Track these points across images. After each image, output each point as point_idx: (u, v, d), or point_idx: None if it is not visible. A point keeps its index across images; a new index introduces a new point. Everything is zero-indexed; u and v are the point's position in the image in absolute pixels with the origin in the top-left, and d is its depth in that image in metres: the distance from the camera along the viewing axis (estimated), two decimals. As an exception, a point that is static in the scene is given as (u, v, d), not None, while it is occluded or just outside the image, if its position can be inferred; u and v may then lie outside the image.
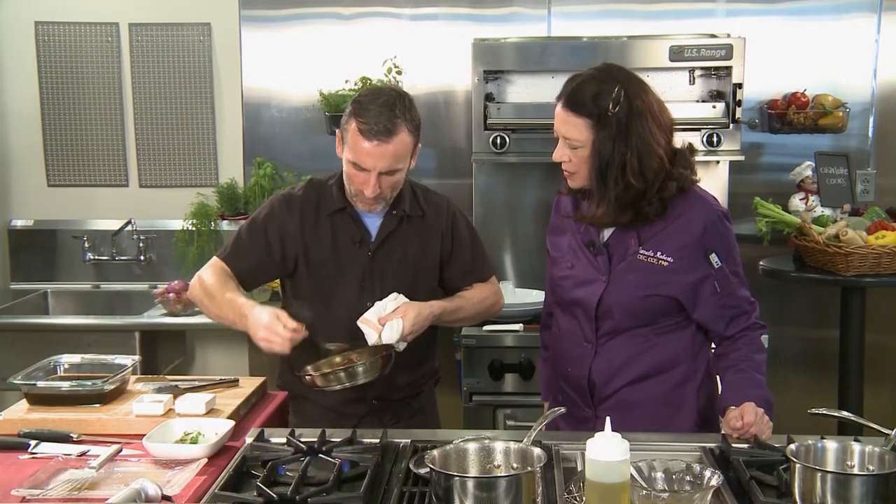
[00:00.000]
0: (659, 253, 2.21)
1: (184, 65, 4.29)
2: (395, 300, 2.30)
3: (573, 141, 2.18)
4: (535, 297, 3.64)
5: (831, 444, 1.79)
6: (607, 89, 2.15)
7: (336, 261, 2.43)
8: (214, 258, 2.49)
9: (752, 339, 2.25)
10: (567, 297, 2.33)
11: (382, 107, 2.26)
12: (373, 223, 2.45)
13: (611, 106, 2.13)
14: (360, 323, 2.26)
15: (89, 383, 2.36)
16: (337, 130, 2.38)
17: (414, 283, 2.44)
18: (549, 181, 3.84)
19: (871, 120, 4.05)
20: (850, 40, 4.00)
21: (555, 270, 2.38)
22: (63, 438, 2.15)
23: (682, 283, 2.21)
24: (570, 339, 2.33)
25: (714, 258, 2.20)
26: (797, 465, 1.70)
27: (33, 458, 2.07)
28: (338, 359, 2.32)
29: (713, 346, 2.34)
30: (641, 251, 2.22)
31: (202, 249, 4.16)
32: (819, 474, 1.67)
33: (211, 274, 2.42)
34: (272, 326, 2.17)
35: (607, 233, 2.28)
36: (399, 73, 4.04)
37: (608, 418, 1.60)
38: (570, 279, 2.31)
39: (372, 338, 2.25)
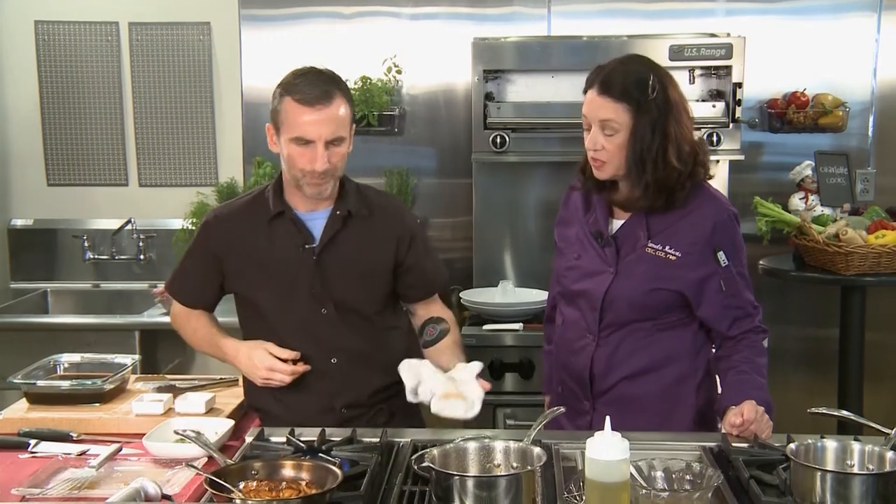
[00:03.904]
0: (668, 247, 2.22)
1: (183, 64, 4.29)
2: (465, 369, 2.20)
3: (611, 126, 2.17)
4: (535, 296, 3.64)
5: (831, 444, 1.79)
6: (643, 75, 2.17)
7: (282, 270, 2.33)
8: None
9: (754, 342, 2.25)
10: (572, 287, 2.33)
11: (315, 77, 2.27)
12: (315, 226, 2.34)
13: (650, 91, 2.15)
14: (441, 402, 2.11)
15: (89, 382, 2.36)
16: (267, 125, 2.31)
17: (365, 288, 2.37)
18: (550, 180, 3.84)
19: (871, 119, 4.04)
20: (849, 39, 4.00)
21: (561, 261, 2.39)
22: (63, 437, 2.15)
23: (689, 279, 2.21)
24: (573, 330, 2.33)
25: (721, 256, 2.21)
26: (797, 465, 1.70)
27: (33, 457, 2.07)
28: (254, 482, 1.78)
29: (714, 347, 2.34)
30: (650, 244, 2.23)
31: (202, 249, 4.16)
32: (819, 473, 1.67)
33: (174, 317, 2.53)
34: (274, 367, 2.28)
35: (616, 225, 2.28)
36: (399, 72, 4.04)
37: (608, 418, 1.60)
38: (576, 270, 2.32)
39: (458, 409, 2.11)
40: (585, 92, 2.22)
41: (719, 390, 2.29)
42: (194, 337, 2.48)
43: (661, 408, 2.26)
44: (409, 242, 2.40)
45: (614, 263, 2.25)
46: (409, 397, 2.17)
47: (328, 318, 2.33)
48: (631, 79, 2.17)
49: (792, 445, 1.78)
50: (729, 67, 3.56)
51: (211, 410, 2.32)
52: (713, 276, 2.22)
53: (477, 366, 2.22)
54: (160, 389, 2.47)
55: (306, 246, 2.32)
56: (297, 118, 2.21)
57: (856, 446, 1.78)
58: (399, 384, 2.39)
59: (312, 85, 2.23)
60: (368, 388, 2.37)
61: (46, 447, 2.10)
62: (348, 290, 2.34)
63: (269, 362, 2.29)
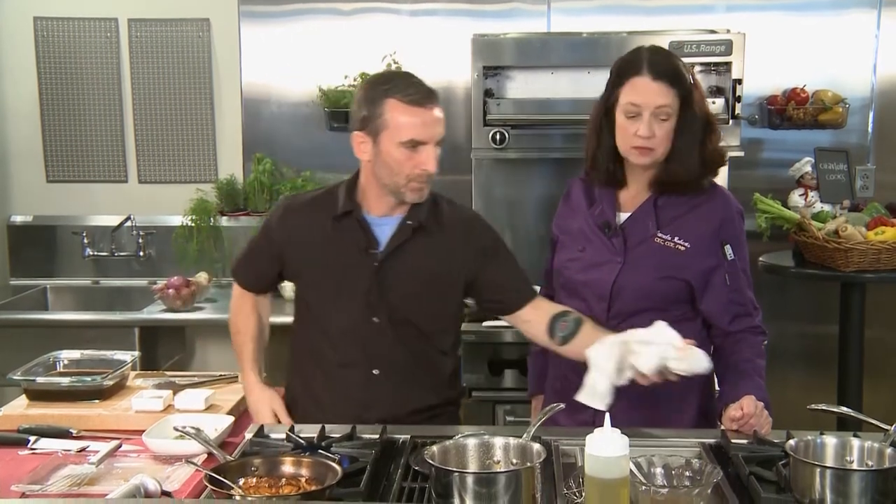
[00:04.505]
0: (677, 238, 2.24)
1: (183, 60, 4.29)
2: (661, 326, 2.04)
3: (665, 112, 2.17)
4: (535, 292, 3.64)
5: (830, 440, 1.79)
6: (681, 62, 2.22)
7: (339, 270, 2.26)
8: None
9: (754, 343, 2.26)
10: (576, 278, 2.32)
11: (411, 77, 2.19)
12: (383, 232, 2.25)
13: (690, 79, 2.21)
14: (679, 355, 1.98)
15: (89, 379, 2.36)
16: (356, 133, 2.19)
17: (426, 303, 2.27)
18: (550, 177, 3.84)
19: (871, 115, 4.04)
20: (849, 36, 4.00)
21: (562, 254, 2.38)
22: (63, 434, 2.15)
23: (697, 269, 2.23)
24: None
25: (728, 250, 2.24)
26: (796, 461, 1.70)
27: (33, 453, 2.07)
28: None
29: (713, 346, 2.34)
30: (659, 234, 2.25)
31: (202, 245, 4.16)
32: (818, 470, 1.67)
33: (232, 299, 2.48)
34: (272, 425, 2.24)
35: (622, 217, 2.30)
36: (399, 68, 4.04)
37: (608, 414, 1.61)
38: (580, 261, 2.31)
39: (703, 362, 2.00)
40: (624, 81, 2.20)
41: (717, 389, 2.29)
42: (236, 336, 2.44)
43: (667, 402, 2.27)
44: (483, 258, 2.30)
45: (622, 253, 2.26)
46: (600, 382, 2.01)
47: (378, 328, 2.25)
48: (675, 65, 2.20)
49: (791, 442, 1.78)
50: (729, 64, 3.55)
51: (210, 407, 2.32)
52: (719, 268, 2.24)
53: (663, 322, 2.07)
54: (160, 386, 2.47)
55: (369, 251, 2.24)
56: (408, 120, 2.12)
57: (855, 443, 1.78)
58: (440, 406, 2.32)
59: (416, 85, 2.15)
60: (406, 406, 2.27)
61: (46, 444, 2.10)
62: (406, 303, 2.25)
63: (268, 422, 2.26)
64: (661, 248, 2.24)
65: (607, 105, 2.25)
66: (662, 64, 2.19)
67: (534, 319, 2.29)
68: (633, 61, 2.21)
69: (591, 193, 2.35)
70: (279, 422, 2.29)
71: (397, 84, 2.15)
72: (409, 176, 2.16)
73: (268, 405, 2.32)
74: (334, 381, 2.30)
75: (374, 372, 2.27)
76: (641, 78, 2.17)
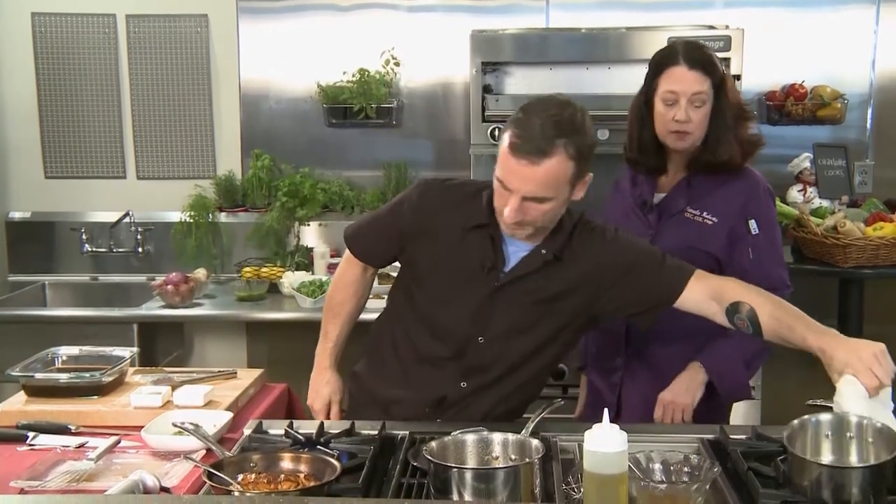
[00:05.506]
0: (705, 213, 2.37)
1: (181, 56, 4.28)
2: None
3: (700, 98, 2.31)
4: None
5: (825, 418, 1.82)
6: (715, 56, 2.37)
7: (457, 280, 2.15)
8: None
9: None
10: None
11: (546, 122, 1.95)
12: (514, 253, 2.13)
13: (722, 68, 2.36)
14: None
15: (87, 375, 2.36)
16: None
17: (535, 328, 2.16)
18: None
19: (870, 111, 4.04)
20: (848, 32, 4.00)
21: None
22: (61, 430, 2.15)
23: (722, 242, 2.36)
24: None
25: (752, 224, 2.35)
26: (794, 457, 1.70)
27: (32, 449, 2.07)
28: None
29: None
30: (689, 209, 2.38)
31: (200, 241, 4.16)
32: (817, 466, 1.67)
33: (338, 268, 2.42)
34: (318, 413, 2.34)
35: (660, 196, 2.44)
36: (397, 64, 4.05)
37: (606, 410, 1.61)
38: None
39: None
40: (662, 71, 2.34)
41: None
42: (332, 305, 2.38)
43: None
44: (614, 276, 2.12)
45: (656, 225, 2.40)
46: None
47: (481, 347, 2.16)
48: (709, 55, 2.35)
49: (786, 432, 1.78)
50: (727, 59, 3.54)
51: (209, 403, 2.32)
52: (743, 242, 2.35)
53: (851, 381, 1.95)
54: (158, 382, 2.46)
55: (493, 271, 2.13)
56: (505, 160, 1.98)
57: (852, 419, 1.80)
58: (505, 414, 2.24)
59: (538, 130, 1.94)
60: (476, 416, 2.19)
61: (45, 440, 2.10)
62: (515, 329, 2.15)
63: (318, 407, 2.34)
64: (689, 222, 2.37)
65: (647, 95, 2.39)
66: (697, 54, 2.33)
67: (694, 298, 2.11)
68: (669, 53, 2.36)
69: (636, 178, 2.49)
70: (327, 415, 2.34)
71: (526, 120, 1.97)
72: (499, 211, 2.04)
73: (328, 394, 2.34)
74: (412, 378, 2.23)
75: (462, 385, 2.20)
76: (678, 67, 2.32)
